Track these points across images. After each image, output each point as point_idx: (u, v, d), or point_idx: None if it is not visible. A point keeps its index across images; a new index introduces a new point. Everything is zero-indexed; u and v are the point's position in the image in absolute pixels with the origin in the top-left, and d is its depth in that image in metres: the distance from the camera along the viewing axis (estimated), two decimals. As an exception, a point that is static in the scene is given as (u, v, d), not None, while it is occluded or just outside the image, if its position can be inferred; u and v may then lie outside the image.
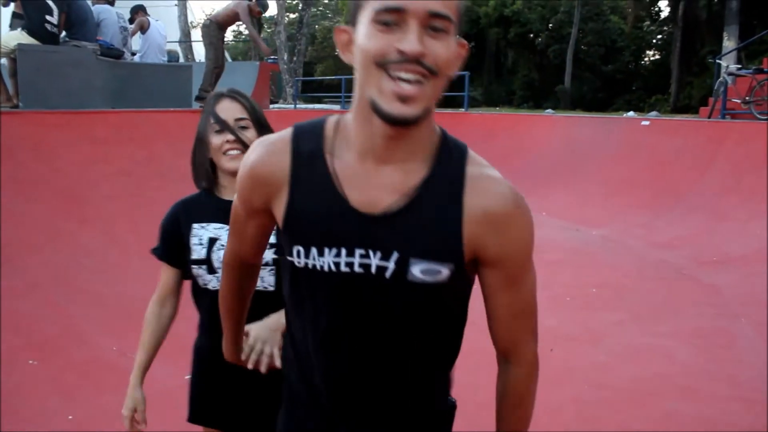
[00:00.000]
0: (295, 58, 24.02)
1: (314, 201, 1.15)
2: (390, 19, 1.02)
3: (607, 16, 33.95)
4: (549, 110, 17.24)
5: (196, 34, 34.96)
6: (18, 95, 6.10)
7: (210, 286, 1.85)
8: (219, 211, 1.85)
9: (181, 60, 24.83)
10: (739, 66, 11.76)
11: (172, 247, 1.91)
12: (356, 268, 1.13)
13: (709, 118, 10.88)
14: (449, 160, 1.15)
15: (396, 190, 1.12)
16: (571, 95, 31.07)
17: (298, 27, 25.46)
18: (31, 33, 5.96)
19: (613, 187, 9.50)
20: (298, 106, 18.40)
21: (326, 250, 1.14)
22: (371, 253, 1.13)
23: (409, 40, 1.01)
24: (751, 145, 8.39)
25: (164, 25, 9.33)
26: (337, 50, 1.15)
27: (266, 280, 1.82)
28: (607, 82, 34.19)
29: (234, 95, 1.89)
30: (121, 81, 6.87)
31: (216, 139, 1.84)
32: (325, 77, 35.99)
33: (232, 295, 1.48)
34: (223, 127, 1.83)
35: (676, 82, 26.76)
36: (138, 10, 8.83)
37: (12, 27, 6.62)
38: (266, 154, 1.20)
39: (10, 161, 5.10)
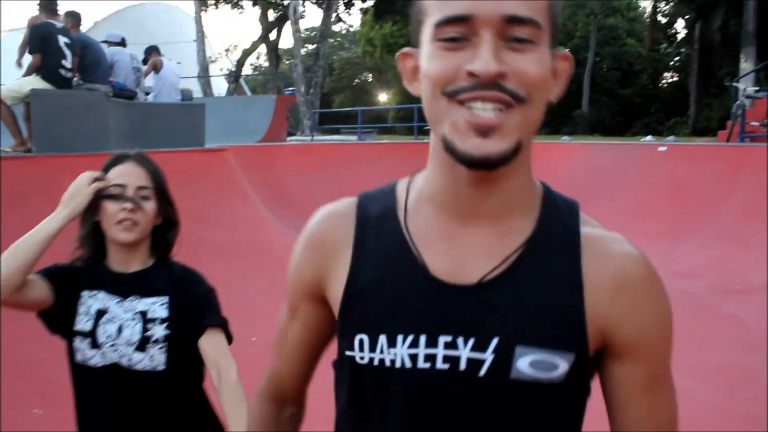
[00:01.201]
0: (312, 90, 24.24)
1: (384, 271, 0.89)
2: (456, 33, 0.79)
3: (623, 40, 33.94)
4: (565, 137, 17.17)
5: (215, 69, 35.60)
6: (31, 139, 6.18)
7: (91, 363, 1.63)
8: (109, 281, 1.69)
9: (199, 95, 25.23)
10: (757, 88, 11.65)
11: (61, 284, 1.67)
12: (439, 364, 0.84)
13: (727, 141, 10.76)
14: (557, 217, 0.89)
15: (491, 253, 0.86)
16: (589, 120, 30.99)
17: (314, 59, 25.76)
18: (45, 78, 6.06)
19: (631, 215, 9.36)
20: (315, 138, 18.51)
21: (399, 339, 0.85)
22: (460, 341, 0.84)
23: (482, 58, 0.76)
24: (771, 169, 8.27)
25: (177, 65, 9.45)
26: (404, 82, 0.91)
27: (156, 358, 1.63)
28: (625, 106, 34.07)
29: (141, 159, 1.73)
30: (134, 122, 6.93)
31: (111, 206, 1.66)
32: (342, 109, 36.27)
33: None
34: (122, 193, 1.66)
35: (694, 104, 26.60)
36: (152, 51, 8.97)
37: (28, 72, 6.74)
38: (327, 217, 0.97)
39: (24, 205, 5.14)
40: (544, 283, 0.85)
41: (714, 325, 5.57)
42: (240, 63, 32.48)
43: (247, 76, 40.89)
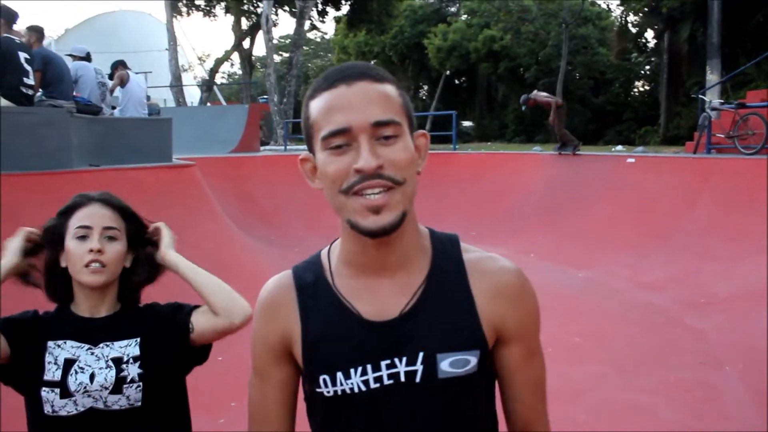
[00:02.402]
0: (285, 99, 24.17)
1: (328, 325, 1.14)
2: (340, 142, 1.04)
3: (595, 49, 34.29)
4: (536, 147, 17.28)
5: (188, 78, 35.39)
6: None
7: (63, 413, 1.58)
8: (76, 328, 1.65)
9: (172, 104, 25.04)
10: (722, 101, 11.82)
11: (18, 335, 1.62)
12: (386, 381, 1.11)
13: (694, 153, 10.90)
14: (444, 253, 1.18)
15: (403, 292, 1.13)
16: (562, 128, 31.18)
17: (287, 68, 25.68)
18: (5, 96, 5.94)
19: (600, 227, 9.45)
20: (288, 147, 18.44)
21: (352, 372, 1.12)
22: (397, 361, 1.11)
23: (363, 157, 1.02)
24: (736, 180, 8.39)
25: (144, 78, 9.36)
26: (306, 179, 1.15)
27: (133, 396, 1.62)
28: (597, 114, 34.38)
29: (106, 199, 1.70)
30: (99, 138, 6.83)
31: (77, 248, 1.63)
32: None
33: None
34: (87, 234, 1.63)
35: (664, 113, 26.90)
36: (118, 65, 8.87)
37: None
38: (273, 287, 1.22)
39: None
40: (446, 303, 1.14)
41: (678, 340, 5.62)
42: (213, 71, 32.32)
43: (222, 84, 40.68)
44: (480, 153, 15.49)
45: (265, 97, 24.47)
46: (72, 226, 1.64)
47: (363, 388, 1.11)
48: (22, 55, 5.97)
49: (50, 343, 1.63)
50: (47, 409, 1.58)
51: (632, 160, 10.62)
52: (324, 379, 1.13)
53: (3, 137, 5.61)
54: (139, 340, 1.67)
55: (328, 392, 1.13)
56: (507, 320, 1.15)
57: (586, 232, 9.47)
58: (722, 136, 10.31)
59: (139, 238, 1.73)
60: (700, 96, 11.73)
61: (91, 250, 1.61)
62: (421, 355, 1.10)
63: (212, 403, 4.34)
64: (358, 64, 1.11)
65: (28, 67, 6.00)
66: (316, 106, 1.09)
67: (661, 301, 6.82)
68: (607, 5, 37.96)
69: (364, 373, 1.11)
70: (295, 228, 10.91)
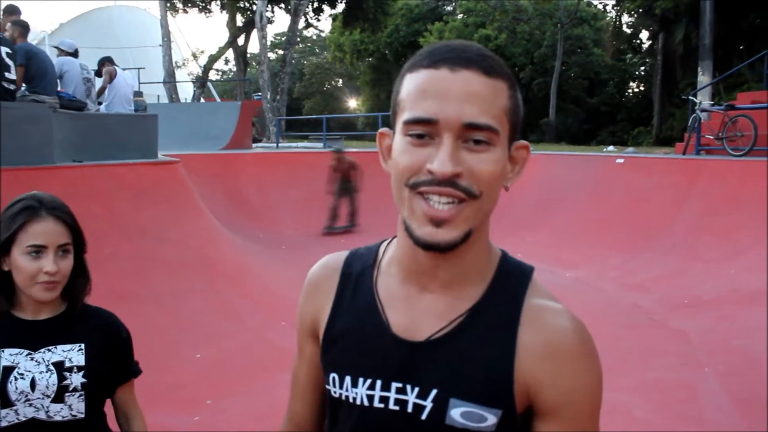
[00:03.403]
0: (278, 96, 24.12)
1: (354, 323, 1.05)
2: (421, 131, 0.90)
3: (590, 49, 34.35)
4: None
5: (181, 74, 35.23)
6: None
7: (4, 423, 1.54)
8: (15, 333, 1.60)
9: (165, 100, 24.97)
10: (712, 102, 11.83)
11: None
12: (391, 405, 0.99)
13: (683, 154, 10.91)
14: (506, 286, 1.00)
15: (441, 316, 0.99)
16: (556, 128, 31.27)
17: (281, 65, 25.65)
18: (-14, 92, 5.91)
19: (589, 227, 9.47)
20: (280, 145, 18.40)
21: (360, 381, 1.01)
22: (408, 388, 0.98)
23: (440, 159, 0.88)
24: (724, 182, 8.41)
25: (131, 75, 9.30)
26: (379, 157, 1.03)
27: (75, 407, 1.58)
28: (591, 114, 34.47)
29: (57, 213, 1.61)
30: (83, 133, 6.79)
31: (29, 264, 1.56)
32: (310, 116, 36.12)
33: None
34: (41, 252, 1.57)
35: (658, 113, 26.95)
36: (104, 62, 8.81)
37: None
38: (322, 267, 1.13)
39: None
40: (481, 345, 0.97)
41: (659, 342, 5.62)
42: (206, 68, 32.24)
43: (217, 81, 40.60)
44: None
45: (260, 94, 24.43)
46: (23, 241, 1.57)
47: (366, 403, 1.01)
48: (4, 50, 5.93)
49: None
50: None
51: (621, 160, 10.63)
52: (333, 378, 1.05)
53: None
54: (83, 346, 1.64)
55: (335, 393, 1.05)
56: (544, 389, 0.94)
57: (574, 232, 9.48)
58: (711, 137, 10.32)
59: (82, 244, 1.69)
60: (690, 97, 11.74)
61: (47, 272, 1.56)
62: (434, 392, 0.96)
63: (188, 400, 4.34)
64: (471, 47, 0.94)
65: (9, 62, 5.96)
66: (409, 83, 0.94)
67: (646, 302, 6.82)
68: (603, 6, 38.05)
69: (371, 387, 1.00)
70: (284, 226, 10.89)
